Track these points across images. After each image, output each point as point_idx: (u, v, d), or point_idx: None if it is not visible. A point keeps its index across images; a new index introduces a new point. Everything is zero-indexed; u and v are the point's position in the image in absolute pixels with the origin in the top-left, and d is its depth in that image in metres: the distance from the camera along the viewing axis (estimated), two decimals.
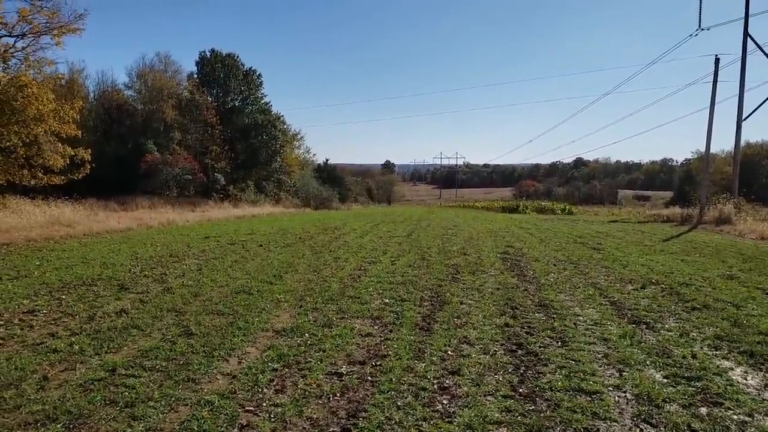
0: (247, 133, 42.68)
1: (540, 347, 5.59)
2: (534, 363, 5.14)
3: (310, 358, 5.21)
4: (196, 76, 42.30)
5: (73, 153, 21.99)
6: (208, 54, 42.13)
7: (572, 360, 5.20)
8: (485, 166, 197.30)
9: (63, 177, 22.10)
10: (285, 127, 49.22)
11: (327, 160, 70.55)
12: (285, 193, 47.44)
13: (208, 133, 39.47)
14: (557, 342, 5.80)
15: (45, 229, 16.91)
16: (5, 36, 19.84)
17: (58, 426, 3.70)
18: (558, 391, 4.45)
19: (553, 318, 6.77)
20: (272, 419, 3.90)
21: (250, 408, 4.07)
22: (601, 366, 5.08)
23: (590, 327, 6.40)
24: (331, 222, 23.60)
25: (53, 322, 6.37)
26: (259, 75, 44.55)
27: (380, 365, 5.04)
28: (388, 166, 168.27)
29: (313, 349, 5.46)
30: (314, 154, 64.25)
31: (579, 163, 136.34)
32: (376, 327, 6.35)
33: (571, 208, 47.63)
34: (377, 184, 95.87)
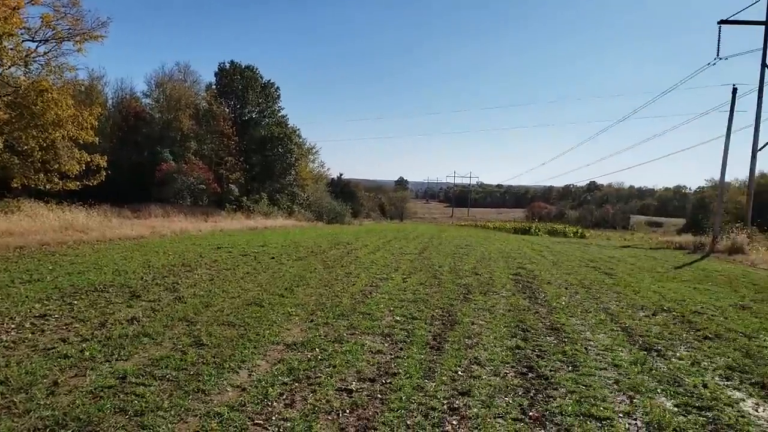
0: (262, 146, 43.01)
1: (550, 371, 5.53)
2: (544, 386, 5.08)
3: (321, 373, 5.19)
4: (214, 86, 42.81)
5: (89, 159, 22.24)
6: (228, 65, 42.65)
7: (583, 385, 5.14)
8: (498, 186, 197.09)
9: (78, 182, 22.36)
10: (301, 140, 49.59)
11: (341, 174, 71.04)
12: (298, 206, 47.61)
13: (223, 143, 39.84)
14: (568, 366, 5.73)
15: (58, 233, 17.10)
16: (28, 40, 20.28)
17: None
18: (568, 415, 4.40)
19: (564, 342, 6.70)
20: None
21: (259, 421, 4.05)
22: (611, 392, 5.01)
23: (601, 352, 6.32)
24: (344, 237, 23.61)
25: (65, 328, 6.42)
26: (277, 88, 45.03)
27: (390, 383, 5.00)
28: (401, 183, 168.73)
29: (323, 365, 5.44)
30: (328, 169, 64.66)
31: (592, 186, 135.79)
32: (386, 344, 6.32)
33: (583, 231, 47.32)
34: (390, 200, 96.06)
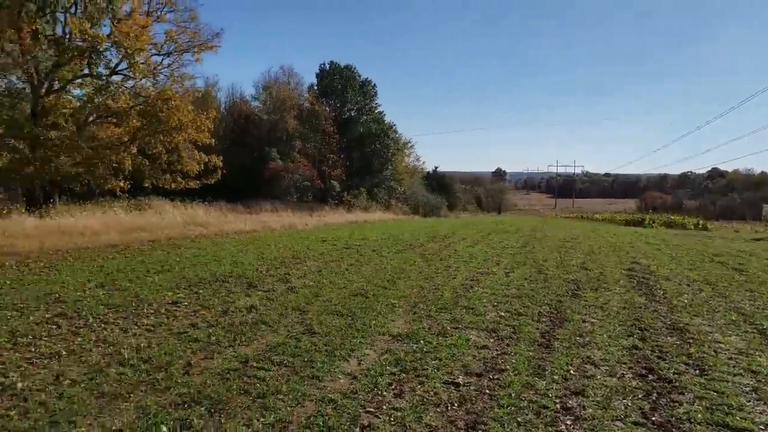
0: (361, 142, 44.10)
1: (674, 374, 5.17)
2: (668, 390, 4.76)
3: (427, 365, 5.25)
4: (316, 87, 44.47)
5: (207, 159, 24.14)
6: (328, 66, 44.13)
7: (713, 391, 4.74)
8: (606, 175, 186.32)
9: (198, 181, 24.33)
10: (397, 135, 50.15)
11: (436, 167, 70.77)
12: (395, 200, 48.28)
13: (326, 141, 41.31)
14: (694, 370, 5.32)
15: (182, 228, 18.68)
16: (155, 54, 22.34)
17: (202, 409, 4.06)
18: (698, 423, 4.09)
19: (689, 343, 6.22)
20: (392, 422, 3.98)
21: (371, 409, 4.19)
22: (749, 401, 4.58)
23: (734, 356, 5.78)
24: (440, 230, 23.57)
25: (193, 314, 7.02)
26: (374, 85, 45.92)
27: (498, 379, 4.95)
28: (498, 174, 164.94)
29: (429, 357, 5.50)
30: (424, 162, 64.69)
31: (715, 173, 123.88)
32: (491, 340, 6.25)
33: (705, 223, 43.35)
34: (487, 192, 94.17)
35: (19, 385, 4.37)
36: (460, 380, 4.90)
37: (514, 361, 5.47)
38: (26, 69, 18.80)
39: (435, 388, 4.69)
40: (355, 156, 44.70)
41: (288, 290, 8.72)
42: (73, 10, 20.43)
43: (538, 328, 6.78)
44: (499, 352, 5.77)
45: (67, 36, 20.41)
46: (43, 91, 20.03)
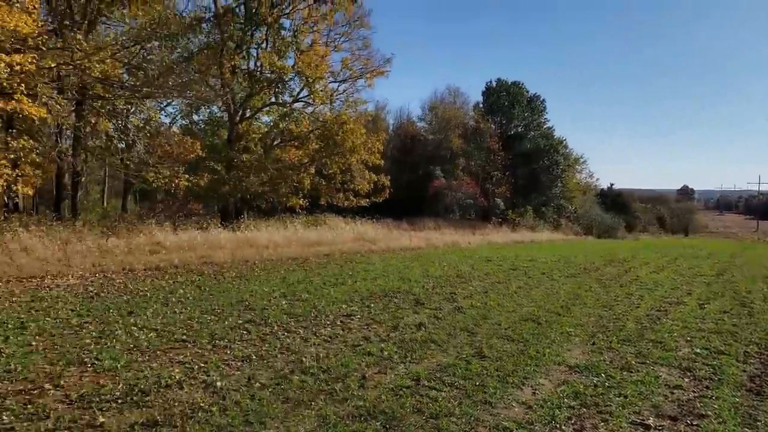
0: (528, 159, 42.92)
1: None
2: None
3: (610, 401, 4.80)
4: (481, 105, 44.47)
5: (376, 179, 25.41)
6: (494, 83, 43.91)
7: None
8: None
9: (367, 200, 25.72)
10: (567, 151, 47.76)
11: (611, 184, 65.80)
12: (565, 219, 45.90)
13: (490, 159, 40.96)
14: None
15: (353, 243, 19.79)
16: (332, 82, 24.31)
17: (377, 424, 4.16)
18: None
19: None
20: None
21: None
22: None
23: None
24: (618, 253, 21.74)
25: (366, 327, 7.32)
26: (543, 100, 44.56)
27: (697, 425, 4.35)
28: (685, 192, 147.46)
29: (612, 393, 5.03)
30: (597, 179, 60.62)
31: None
32: (686, 379, 5.53)
33: None
34: (671, 212, 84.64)
35: (219, 383, 4.90)
36: (650, 422, 4.39)
37: (716, 406, 4.77)
38: (225, 100, 21.62)
39: (621, 428, 4.27)
40: (521, 173, 43.60)
41: (455, 310, 8.68)
42: (264, 45, 23.09)
43: (744, 371, 5.87)
44: (696, 394, 5.08)
45: (258, 69, 23.11)
46: (238, 118, 22.90)
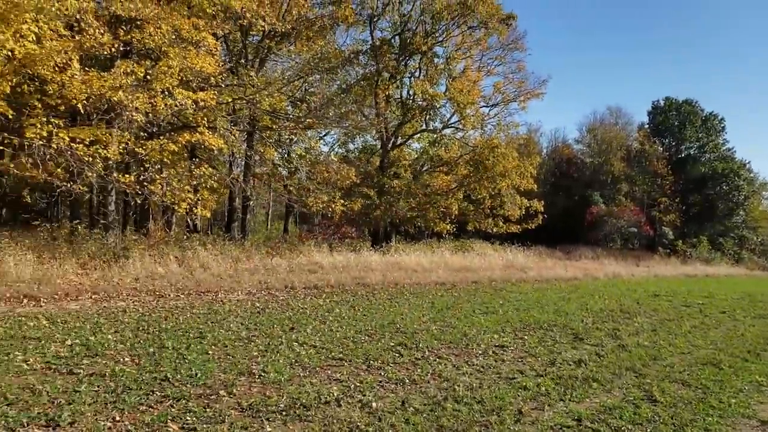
0: (701, 184, 38.50)
1: None
2: None
3: None
4: (647, 126, 41.24)
5: (528, 204, 24.51)
6: (662, 102, 40.44)
7: None
8: None
9: (518, 226, 24.84)
10: (751, 175, 41.97)
11: None
12: (748, 251, 40.17)
13: (656, 184, 37.59)
14: None
15: (503, 271, 19.20)
16: (483, 106, 24.15)
17: None
18: None
19: None
20: None
21: None
22: None
23: None
24: None
25: (520, 360, 6.93)
26: (722, 119, 39.97)
27: None
28: None
29: None
30: None
31: None
32: None
33: None
34: None
35: (374, 404, 4.92)
36: None
37: None
38: (379, 128, 22.56)
39: None
40: (693, 200, 39.21)
41: (619, 347, 7.87)
42: (417, 73, 23.75)
43: None
44: None
45: (411, 97, 23.79)
46: (390, 146, 23.70)
